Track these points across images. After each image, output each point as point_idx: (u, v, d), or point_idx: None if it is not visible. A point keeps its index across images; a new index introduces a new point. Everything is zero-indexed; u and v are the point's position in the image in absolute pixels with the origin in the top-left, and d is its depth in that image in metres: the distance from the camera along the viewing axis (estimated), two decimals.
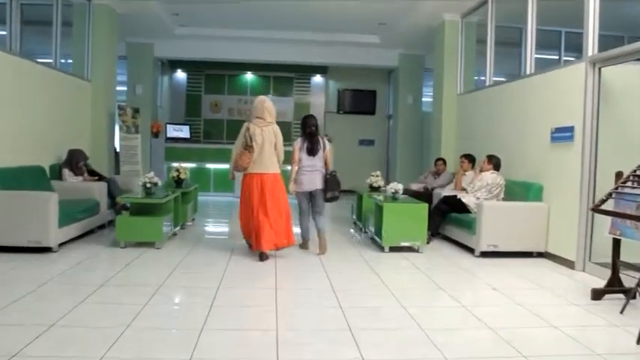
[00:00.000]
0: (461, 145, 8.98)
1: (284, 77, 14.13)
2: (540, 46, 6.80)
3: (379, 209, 6.37)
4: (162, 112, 13.69)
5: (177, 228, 6.96)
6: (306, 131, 5.83)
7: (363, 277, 5.07)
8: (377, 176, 8.03)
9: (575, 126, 5.52)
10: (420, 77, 12.78)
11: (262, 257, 5.34)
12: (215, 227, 8.42)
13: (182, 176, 7.65)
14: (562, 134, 5.73)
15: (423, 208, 6.17)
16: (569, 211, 5.62)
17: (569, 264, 5.59)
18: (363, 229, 7.63)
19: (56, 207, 5.54)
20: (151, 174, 6.33)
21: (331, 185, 5.75)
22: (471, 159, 7.89)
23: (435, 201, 7.62)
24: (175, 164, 7.88)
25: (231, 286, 4.55)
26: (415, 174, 12.29)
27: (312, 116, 6.01)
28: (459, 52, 9.25)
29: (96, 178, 7.46)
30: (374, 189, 7.95)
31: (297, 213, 6.16)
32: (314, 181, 5.75)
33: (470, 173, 7.83)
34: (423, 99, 13.02)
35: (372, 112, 14.48)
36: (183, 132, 12.50)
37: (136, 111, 9.85)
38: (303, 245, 6.09)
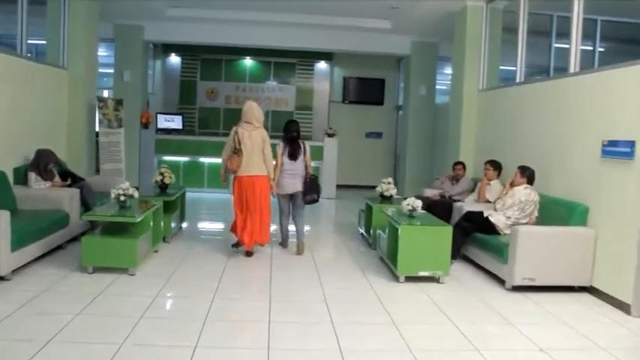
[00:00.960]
0: (482, 149, 8.01)
1: (286, 63, 13.09)
2: (564, 35, 5.84)
3: (393, 230, 5.42)
4: (154, 100, 12.69)
5: (159, 244, 6.02)
6: (288, 136, 6.13)
7: (373, 323, 4.16)
8: (388, 183, 7.06)
9: (637, 141, 4.54)
10: (434, 67, 11.71)
11: (248, 253, 5.86)
12: (206, 237, 7.45)
13: (167, 180, 6.70)
14: (618, 149, 4.75)
15: (447, 231, 5.21)
16: (623, 241, 4.67)
17: (621, 305, 4.66)
18: (372, 246, 6.68)
19: (7, 228, 4.61)
20: (126, 184, 5.37)
21: (311, 189, 6.10)
22: (496, 166, 6.92)
23: (456, 214, 6.67)
24: (163, 167, 6.86)
25: (215, 344, 3.64)
26: (426, 171, 11.37)
27: (294, 122, 6.39)
28: (482, 42, 8.21)
29: (67, 183, 6.51)
30: (385, 198, 6.99)
31: (277, 213, 6.40)
32: (295, 185, 6.05)
33: (495, 183, 6.87)
34: (437, 90, 11.96)
35: (379, 103, 13.47)
36: (176, 122, 11.51)
37: (119, 103, 8.83)
38: (283, 244, 6.46)
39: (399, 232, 5.12)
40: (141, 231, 5.25)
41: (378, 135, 13.58)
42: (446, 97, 12.26)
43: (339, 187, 11.46)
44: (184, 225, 7.45)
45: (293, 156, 6.04)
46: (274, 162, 5.96)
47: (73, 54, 7.75)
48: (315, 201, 6.17)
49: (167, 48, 12.70)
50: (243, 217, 5.70)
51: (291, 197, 6.15)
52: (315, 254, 6.27)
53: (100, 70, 11.04)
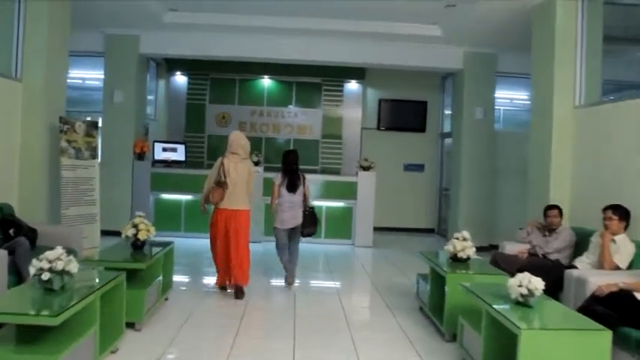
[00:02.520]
0: (584, 188, 5.79)
1: (310, 83, 11.08)
2: None
3: (502, 331, 3.19)
4: (156, 127, 10.75)
5: (119, 340, 3.86)
6: (287, 167, 5.79)
7: None
8: (464, 240, 4.83)
9: None
10: (492, 83, 9.56)
11: (239, 295, 5.26)
12: (193, 327, 5.14)
13: (142, 236, 4.60)
14: None
15: (604, 340, 2.96)
16: None
17: None
18: (446, 337, 4.43)
19: None
20: (58, 250, 3.25)
21: (310, 221, 5.83)
22: (622, 214, 4.70)
23: (572, 288, 4.42)
24: (138, 217, 4.78)
25: None
26: (488, 214, 9.10)
27: (293, 152, 6.10)
28: (579, 43, 6.07)
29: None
30: (459, 261, 4.78)
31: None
32: (295, 217, 5.75)
33: (622, 239, 4.65)
34: (496, 112, 9.80)
35: (421, 129, 11.33)
36: (178, 153, 9.51)
37: (92, 126, 6.81)
38: (289, 280, 5.90)
39: (522, 340, 2.88)
40: (69, 339, 3.09)
41: (419, 167, 11.40)
42: (500, 123, 10.18)
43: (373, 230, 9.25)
44: (170, 296, 5.28)
45: (292, 187, 5.73)
46: (271, 194, 5.81)
47: (29, 63, 5.82)
48: (314, 233, 5.95)
49: (171, 66, 10.81)
50: (225, 252, 5.28)
51: (290, 230, 5.77)
52: (361, 348, 4.08)
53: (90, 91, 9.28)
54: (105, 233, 7.59)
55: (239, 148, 5.39)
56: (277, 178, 5.79)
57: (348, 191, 9.05)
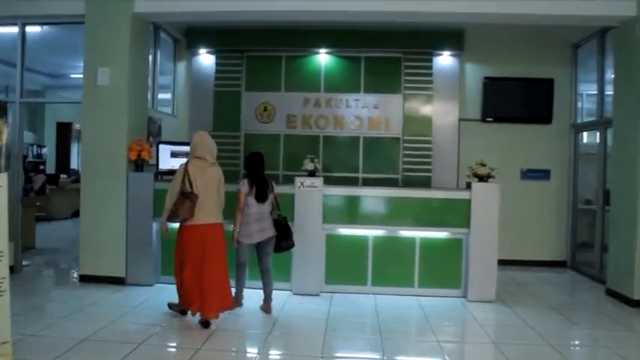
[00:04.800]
0: None
1: (386, 59, 7.90)
2: None
3: None
4: (177, 126, 7.88)
5: None
6: (253, 173, 5.00)
7: None
8: None
9: None
10: None
11: (206, 324, 4.48)
12: None
13: None
14: None
15: None
16: None
17: None
18: None
19: None
20: None
21: (286, 233, 5.11)
22: None
23: None
24: None
25: None
26: None
27: (258, 154, 5.16)
28: None
29: None
30: None
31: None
32: (264, 230, 4.97)
33: None
34: None
35: (544, 120, 7.86)
36: None
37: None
38: (238, 302, 5.08)
39: None
40: None
41: (543, 174, 7.93)
42: None
43: None
44: None
45: (261, 197, 4.93)
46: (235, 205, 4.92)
47: None
48: (292, 246, 5.17)
49: (193, 41, 7.88)
50: (198, 275, 4.48)
51: (258, 246, 5.00)
52: None
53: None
54: (87, 279, 5.87)
55: (204, 150, 4.68)
56: (244, 185, 4.96)
57: (456, 215, 5.75)
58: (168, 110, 7.93)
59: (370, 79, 7.91)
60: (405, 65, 7.83)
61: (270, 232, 5.01)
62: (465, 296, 5.76)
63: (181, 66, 8.15)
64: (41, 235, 8.67)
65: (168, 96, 8.02)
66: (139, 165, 5.86)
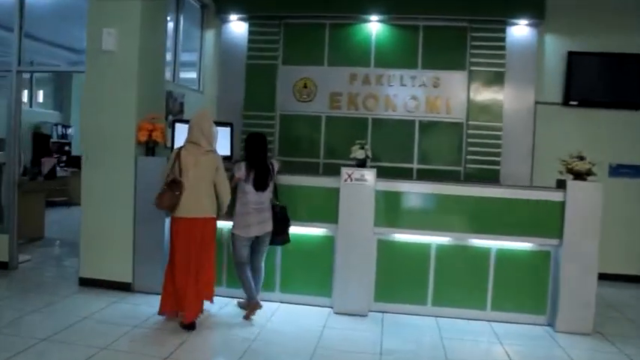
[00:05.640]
0: None
1: (448, 28, 6.66)
2: None
3: None
4: (203, 103, 6.85)
5: None
6: (253, 157, 4.26)
7: None
8: None
9: None
10: None
11: (190, 327, 4.02)
12: None
13: None
14: None
15: None
16: None
17: None
18: None
19: None
20: None
21: (283, 225, 4.40)
22: None
23: None
24: None
25: None
26: None
27: (260, 135, 4.40)
28: None
29: None
30: None
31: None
32: (264, 222, 4.30)
33: None
34: None
35: (636, 105, 6.48)
36: (218, 142, 5.33)
37: None
38: (248, 306, 4.36)
39: None
40: None
41: (637, 171, 6.55)
42: None
43: None
44: None
45: (261, 184, 4.23)
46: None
47: None
48: (288, 241, 4.47)
49: (223, 5, 6.78)
50: (185, 277, 4.04)
51: (255, 240, 4.32)
52: None
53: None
54: (88, 283, 4.96)
55: (199, 135, 4.07)
56: (240, 169, 4.21)
57: (543, 221, 4.52)
58: (194, 85, 6.89)
59: (430, 52, 6.68)
60: (471, 36, 6.58)
61: (269, 225, 4.38)
62: (551, 324, 4.53)
63: (209, 35, 7.10)
64: (54, 224, 7.82)
65: (193, 73, 7.02)
66: (150, 148, 4.83)
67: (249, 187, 4.25)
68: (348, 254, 4.57)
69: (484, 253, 4.64)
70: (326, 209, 4.56)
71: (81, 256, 5.01)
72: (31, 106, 11.23)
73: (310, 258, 4.78)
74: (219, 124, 4.65)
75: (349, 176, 4.53)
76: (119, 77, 4.82)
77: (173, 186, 4.01)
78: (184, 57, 6.67)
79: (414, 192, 4.68)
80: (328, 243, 4.72)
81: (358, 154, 4.52)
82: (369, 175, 4.52)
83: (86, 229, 4.95)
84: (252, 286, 4.35)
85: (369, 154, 4.60)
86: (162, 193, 4.03)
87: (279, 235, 4.44)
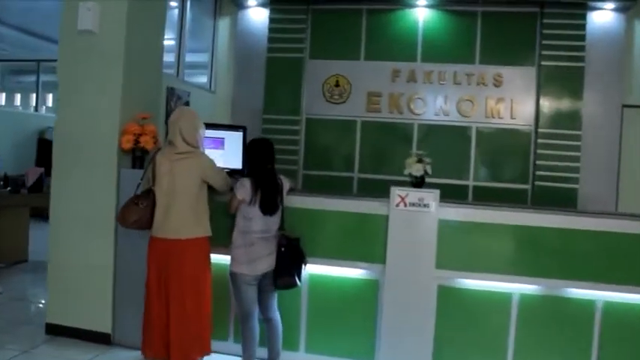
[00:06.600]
0: None
1: (513, 15, 5.74)
2: None
3: None
4: (216, 105, 5.98)
5: None
6: (259, 170, 3.30)
7: None
8: None
9: None
10: None
11: None
12: None
13: None
14: None
15: None
16: None
17: None
18: None
19: None
20: None
21: (290, 262, 3.29)
22: None
23: None
24: None
25: None
26: None
27: (265, 142, 3.44)
28: None
29: None
30: None
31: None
32: (273, 255, 3.31)
33: None
34: None
35: None
36: (225, 151, 4.25)
37: None
38: None
39: None
40: None
41: None
42: None
43: None
44: None
45: (271, 206, 3.24)
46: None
47: None
48: (293, 285, 3.31)
49: None
50: (159, 310, 3.23)
51: (262, 278, 3.35)
52: None
53: None
54: (56, 331, 3.92)
55: (176, 132, 3.22)
56: (243, 187, 3.21)
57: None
58: (204, 83, 5.85)
59: (490, 44, 5.82)
60: (542, 24, 5.67)
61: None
62: None
63: (223, 24, 6.24)
64: (41, 243, 6.79)
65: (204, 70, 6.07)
66: (137, 157, 3.71)
67: (254, 211, 3.31)
68: (400, 305, 3.42)
69: (585, 307, 3.39)
70: (368, 243, 3.44)
71: (48, 297, 3.92)
72: (37, 110, 10.50)
73: (346, 308, 3.61)
74: (227, 127, 3.52)
75: (402, 200, 3.33)
76: (99, 65, 3.73)
77: (140, 198, 3.28)
78: (193, 54, 5.72)
79: (492, 222, 3.47)
80: (371, 289, 3.56)
81: (415, 169, 3.33)
82: (431, 198, 3.31)
83: (55, 262, 3.88)
84: (256, 344, 3.36)
85: (429, 169, 3.40)
86: (125, 205, 3.29)
87: (284, 276, 3.42)
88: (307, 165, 5.87)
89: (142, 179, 3.27)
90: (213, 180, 3.28)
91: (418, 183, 3.40)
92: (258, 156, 3.36)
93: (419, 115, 5.78)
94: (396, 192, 3.37)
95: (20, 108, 11.84)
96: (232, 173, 4.03)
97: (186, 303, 3.24)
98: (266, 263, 3.33)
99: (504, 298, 3.47)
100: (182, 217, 3.25)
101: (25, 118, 9.40)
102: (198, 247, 3.29)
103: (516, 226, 3.43)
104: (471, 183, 5.62)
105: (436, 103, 5.75)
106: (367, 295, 3.59)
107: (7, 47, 11.24)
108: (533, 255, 3.42)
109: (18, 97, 12.43)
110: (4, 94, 11.96)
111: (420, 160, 3.39)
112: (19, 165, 7.50)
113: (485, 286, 3.47)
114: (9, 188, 6.14)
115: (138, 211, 3.23)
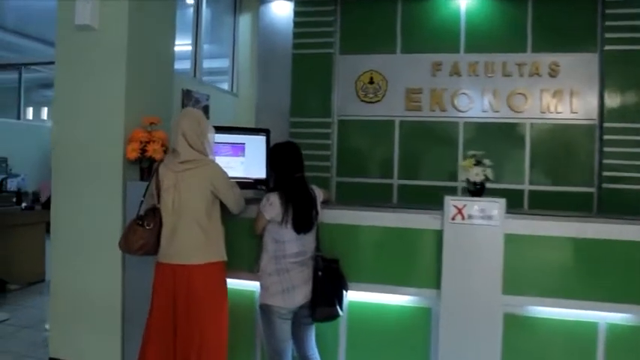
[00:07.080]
0: None
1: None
2: None
3: None
4: (239, 109, 5.54)
5: None
6: (288, 181, 2.83)
7: None
8: None
9: None
10: None
11: None
12: None
13: None
14: None
15: None
16: None
17: None
18: None
19: None
20: None
21: (330, 290, 2.84)
22: None
23: None
24: None
25: None
26: None
27: (291, 145, 2.95)
28: None
29: None
30: None
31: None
32: (310, 283, 2.84)
33: None
34: None
35: None
36: (246, 158, 3.73)
37: None
38: None
39: None
40: None
41: None
42: None
43: None
44: None
45: (305, 223, 2.76)
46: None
47: None
48: (335, 316, 2.84)
49: None
50: (159, 349, 2.80)
51: (299, 310, 2.86)
52: None
53: None
54: None
55: (178, 138, 2.74)
56: (270, 206, 2.73)
57: None
58: (225, 85, 5.39)
59: (544, 29, 5.22)
60: (605, 2, 5.08)
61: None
62: None
63: (245, 20, 5.80)
64: None
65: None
66: (145, 168, 3.22)
67: (286, 232, 2.81)
68: (458, 338, 2.87)
69: None
70: (417, 265, 2.90)
71: (51, 328, 3.47)
72: None
73: (393, 342, 3.08)
74: (247, 130, 3.00)
75: (459, 211, 2.75)
76: (101, 65, 3.28)
77: (146, 217, 2.83)
78: (213, 60, 5.30)
79: (575, 237, 2.85)
80: (422, 319, 3.00)
81: (473, 173, 2.74)
82: (495, 209, 2.72)
83: (56, 288, 3.45)
84: None
85: (490, 174, 2.81)
86: (127, 229, 2.86)
87: (323, 306, 2.92)
88: (340, 172, 5.39)
89: (144, 196, 2.80)
90: (224, 195, 2.80)
91: (477, 191, 2.81)
92: (284, 163, 2.89)
93: (464, 112, 5.24)
94: (451, 202, 2.78)
95: (48, 122, 11.73)
96: (256, 184, 3.53)
97: (194, 341, 2.78)
98: (304, 293, 2.89)
99: (588, 329, 2.87)
100: (191, 238, 2.80)
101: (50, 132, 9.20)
102: (211, 274, 2.83)
103: (605, 241, 2.80)
104: (526, 187, 5.00)
105: (484, 99, 5.19)
106: (418, 327, 3.03)
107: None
108: (625, 276, 2.80)
109: (45, 110, 12.33)
110: (31, 109, 11.85)
111: (479, 162, 2.81)
112: (45, 180, 7.29)
113: (564, 314, 2.86)
114: (24, 204, 5.84)
115: (143, 233, 2.80)
